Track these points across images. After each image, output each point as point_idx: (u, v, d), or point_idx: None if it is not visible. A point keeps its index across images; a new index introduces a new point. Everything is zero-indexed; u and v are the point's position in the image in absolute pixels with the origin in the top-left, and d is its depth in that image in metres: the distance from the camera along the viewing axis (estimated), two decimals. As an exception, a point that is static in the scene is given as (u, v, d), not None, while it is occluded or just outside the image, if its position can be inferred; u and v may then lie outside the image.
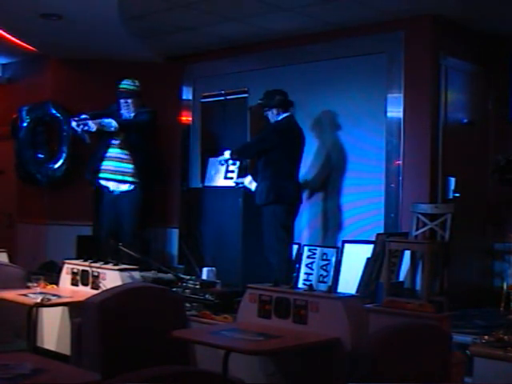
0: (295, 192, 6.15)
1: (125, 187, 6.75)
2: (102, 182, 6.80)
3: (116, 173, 6.74)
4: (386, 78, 6.49)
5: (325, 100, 6.92)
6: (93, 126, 6.47)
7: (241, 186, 6.59)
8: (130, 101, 6.81)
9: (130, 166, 6.74)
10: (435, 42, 6.35)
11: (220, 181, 7.11)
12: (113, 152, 6.76)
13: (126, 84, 6.87)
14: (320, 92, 6.94)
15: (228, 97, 7.31)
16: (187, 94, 8.15)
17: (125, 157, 6.73)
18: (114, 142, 6.74)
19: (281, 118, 6.24)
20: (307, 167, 6.96)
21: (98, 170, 6.77)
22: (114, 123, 6.56)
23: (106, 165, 6.76)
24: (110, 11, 6.35)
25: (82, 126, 6.49)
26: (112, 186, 6.77)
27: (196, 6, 6.31)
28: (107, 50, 7.73)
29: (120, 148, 6.75)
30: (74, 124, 6.56)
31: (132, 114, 6.83)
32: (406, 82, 6.35)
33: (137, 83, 6.90)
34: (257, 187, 6.25)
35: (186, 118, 8.16)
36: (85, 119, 6.48)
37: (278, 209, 6.03)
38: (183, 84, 8.16)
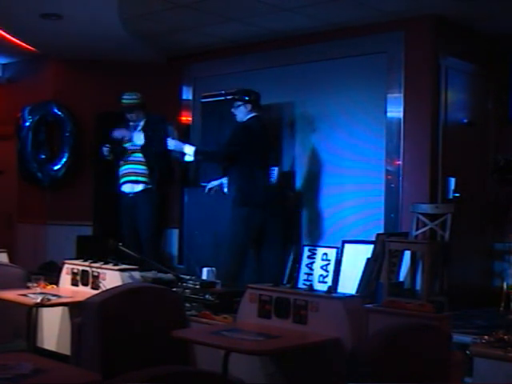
0: (262, 195, 6.07)
1: (139, 188, 6.90)
2: (122, 188, 7.00)
3: (130, 174, 6.93)
4: (385, 78, 6.49)
5: (325, 100, 6.91)
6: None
7: (215, 189, 6.48)
8: (134, 114, 6.99)
9: (143, 167, 6.91)
10: (435, 42, 6.35)
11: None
12: (128, 156, 6.98)
13: (127, 98, 7.00)
14: (320, 92, 6.94)
15: (228, 97, 7.30)
16: (187, 93, 8.15)
17: (138, 159, 6.91)
18: (130, 147, 7.00)
19: (249, 117, 6.20)
20: (307, 167, 6.97)
21: (119, 176, 7.00)
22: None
23: (123, 169, 6.98)
24: (110, 11, 6.35)
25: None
26: (127, 188, 6.95)
27: (196, 6, 6.31)
28: (107, 50, 7.73)
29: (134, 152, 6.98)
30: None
31: (141, 123, 7.02)
32: (406, 82, 6.35)
33: (138, 95, 7.04)
34: (228, 190, 6.21)
35: (186, 118, 8.15)
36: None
37: (244, 212, 5.98)
38: (183, 84, 8.15)
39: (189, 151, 6.34)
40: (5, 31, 7.26)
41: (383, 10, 6.22)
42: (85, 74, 8.24)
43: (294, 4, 6.17)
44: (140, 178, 6.90)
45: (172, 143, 6.55)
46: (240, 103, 6.24)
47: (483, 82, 6.91)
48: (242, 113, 6.23)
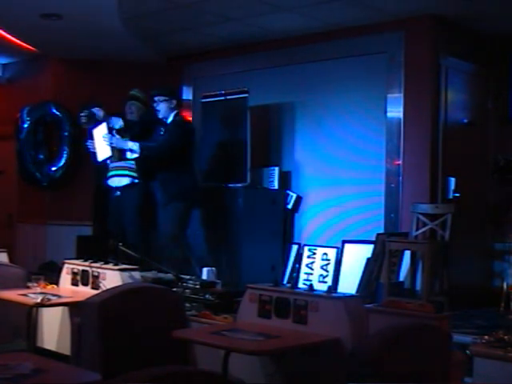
0: (196, 189, 6.37)
1: (125, 181, 6.83)
2: (109, 181, 6.91)
3: (118, 168, 6.84)
4: (385, 77, 6.49)
5: (325, 100, 6.92)
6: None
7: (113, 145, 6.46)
8: (134, 106, 6.95)
9: (131, 161, 6.80)
10: (435, 42, 6.35)
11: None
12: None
13: (136, 91, 7.06)
14: (320, 92, 6.95)
15: (228, 97, 7.30)
16: (187, 93, 8.15)
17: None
18: None
19: (174, 113, 6.30)
20: (306, 167, 6.97)
21: (107, 169, 6.92)
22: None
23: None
24: (110, 11, 6.35)
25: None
26: (114, 182, 6.87)
27: (196, 6, 6.31)
28: (107, 50, 7.73)
29: None
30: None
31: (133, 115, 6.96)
32: (406, 82, 6.35)
33: (145, 96, 7.05)
34: (157, 185, 6.35)
35: (186, 118, 8.15)
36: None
37: (180, 206, 6.21)
38: (183, 84, 8.16)
39: (133, 147, 6.34)
40: (5, 31, 7.27)
41: (383, 9, 6.22)
42: (85, 74, 8.24)
43: (294, 4, 6.17)
44: (127, 172, 6.84)
45: (114, 140, 6.54)
46: (166, 98, 6.28)
47: (483, 82, 6.91)
48: (165, 109, 6.28)
